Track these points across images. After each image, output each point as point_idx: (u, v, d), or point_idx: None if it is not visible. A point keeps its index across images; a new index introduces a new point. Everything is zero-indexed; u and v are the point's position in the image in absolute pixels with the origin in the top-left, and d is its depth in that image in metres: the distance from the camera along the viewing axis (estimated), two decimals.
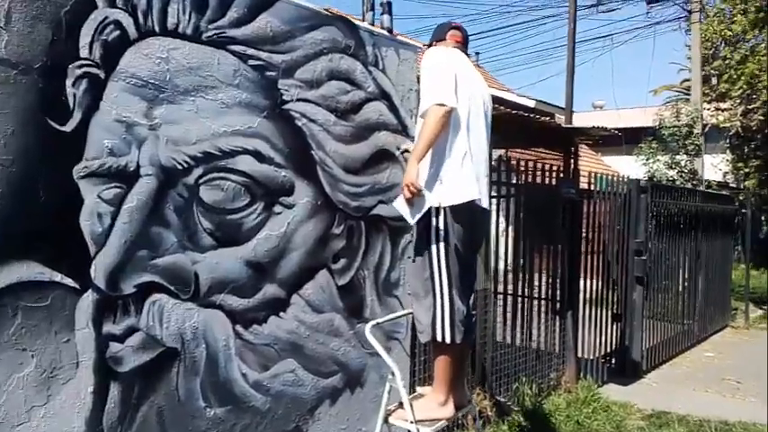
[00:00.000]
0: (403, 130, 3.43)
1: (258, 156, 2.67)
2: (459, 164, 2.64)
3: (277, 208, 2.77)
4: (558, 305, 5.33)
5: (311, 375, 2.98)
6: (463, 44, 3.05)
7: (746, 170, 13.74)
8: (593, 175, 5.59)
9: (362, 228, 3.21)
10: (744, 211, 9.56)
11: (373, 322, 2.81)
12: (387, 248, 3.36)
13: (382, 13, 3.34)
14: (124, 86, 2.21)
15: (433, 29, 3.13)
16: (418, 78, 3.60)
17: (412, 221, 2.70)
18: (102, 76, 2.16)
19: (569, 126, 5.12)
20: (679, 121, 10.86)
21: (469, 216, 2.70)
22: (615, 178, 6.13)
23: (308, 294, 2.94)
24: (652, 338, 6.80)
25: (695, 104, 11.34)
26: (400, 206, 2.72)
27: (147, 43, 2.28)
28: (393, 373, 2.65)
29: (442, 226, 2.63)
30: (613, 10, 11.29)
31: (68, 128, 2.06)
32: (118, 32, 2.20)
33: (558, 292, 5.31)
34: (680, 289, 7.43)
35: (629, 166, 11.44)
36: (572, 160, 5.10)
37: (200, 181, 2.47)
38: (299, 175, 2.86)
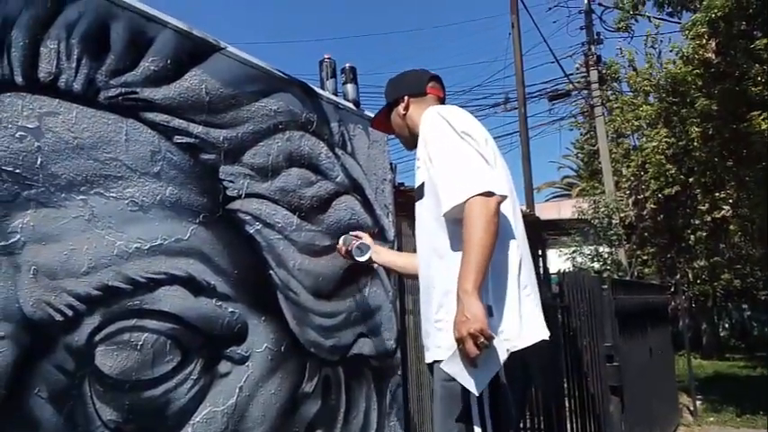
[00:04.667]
0: (380, 233, 2.54)
1: (192, 285, 1.67)
2: (515, 283, 1.74)
3: (223, 366, 1.74)
4: None
5: None
6: (443, 103, 2.10)
7: (644, 257, 13.98)
8: (561, 274, 4.91)
9: (341, 377, 2.21)
10: (678, 299, 9.33)
11: None
12: (372, 401, 2.36)
13: (345, 82, 2.52)
14: None
15: (390, 81, 2.12)
16: (392, 166, 2.76)
17: (477, 391, 1.59)
18: None
19: (543, 219, 4.48)
20: (597, 212, 10.77)
21: (525, 363, 1.78)
22: (568, 276, 5.49)
23: None
24: None
25: (611, 195, 11.37)
26: (455, 369, 1.59)
27: (2, 103, 1.29)
28: None
29: (488, 392, 1.65)
30: (515, 108, 11.34)
31: None
32: None
33: (547, 418, 4.43)
34: (645, 391, 6.80)
35: (553, 261, 11.11)
36: (541, 258, 4.39)
37: (97, 338, 1.42)
38: (255, 308, 1.87)
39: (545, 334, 1.78)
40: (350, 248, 2.21)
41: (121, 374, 1.46)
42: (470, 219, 1.63)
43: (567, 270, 5.11)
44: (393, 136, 2.23)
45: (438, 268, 1.79)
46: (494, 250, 1.62)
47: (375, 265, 2.40)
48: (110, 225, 1.47)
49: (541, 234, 4.23)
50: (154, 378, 1.53)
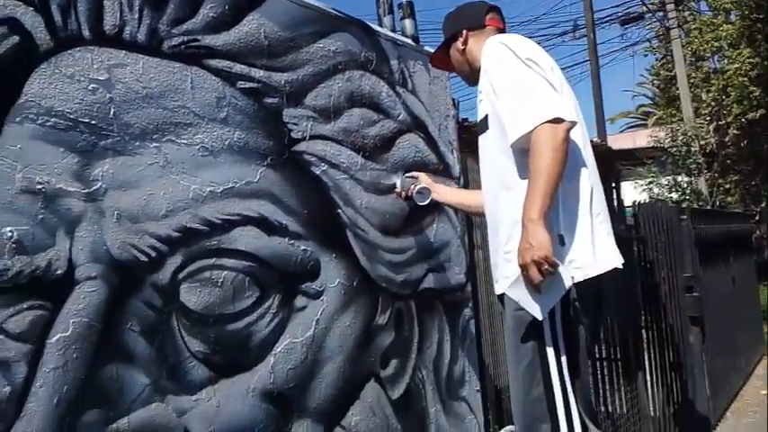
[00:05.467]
0: (445, 170, 2.54)
1: (265, 225, 1.73)
2: (587, 211, 1.71)
3: (299, 300, 1.82)
4: (624, 365, 4.40)
5: None
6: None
7: (726, 186, 13.33)
8: (636, 205, 4.76)
9: (413, 310, 2.26)
10: (763, 228, 8.89)
11: None
12: (445, 334, 2.41)
13: (402, 18, 2.49)
14: (34, 131, 1.27)
15: (448, 15, 2.05)
16: (454, 102, 2.73)
17: (541, 315, 1.61)
18: None
19: (615, 149, 4.32)
20: (675, 141, 10.29)
21: (598, 290, 1.77)
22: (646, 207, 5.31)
23: (354, 423, 1.96)
24: (713, 384, 5.89)
25: (689, 122, 10.81)
26: (520, 295, 1.63)
27: (72, 57, 1.35)
28: None
29: (561, 314, 1.67)
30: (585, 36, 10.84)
31: None
32: (17, 40, 1.27)
33: (624, 349, 4.39)
34: (727, 321, 6.62)
35: (628, 193, 10.77)
36: (614, 190, 4.26)
37: (180, 276, 1.51)
38: (325, 246, 1.93)
39: (619, 261, 1.75)
40: (410, 193, 2.19)
41: (205, 309, 1.55)
42: (537, 146, 1.59)
43: (642, 201, 4.95)
44: (454, 73, 2.19)
45: (505, 200, 1.78)
46: (561, 178, 1.59)
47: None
48: (183, 170, 1.54)
49: (614, 165, 4.09)
50: (235, 312, 1.62)
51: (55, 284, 1.27)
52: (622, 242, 4.43)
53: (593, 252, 1.67)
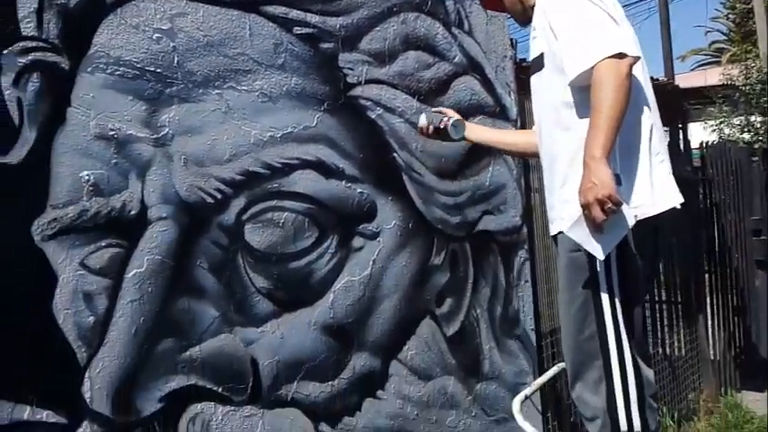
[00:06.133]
0: (502, 112, 2.52)
1: (322, 168, 1.79)
2: (646, 150, 1.68)
3: (356, 241, 1.89)
4: (685, 308, 4.35)
5: None
6: None
7: None
8: (703, 145, 4.60)
9: (468, 251, 2.30)
10: None
11: (521, 396, 1.90)
12: (499, 274, 2.44)
13: None
14: (105, 80, 1.35)
15: None
16: (512, 42, 2.68)
17: (602, 255, 1.59)
18: (66, 65, 1.29)
19: (682, 87, 4.16)
20: (749, 78, 9.74)
21: (656, 230, 1.75)
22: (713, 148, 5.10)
23: (410, 357, 2.04)
24: None
25: (766, 58, 10.19)
26: (581, 235, 1.59)
27: (136, 8, 1.41)
28: None
29: (616, 254, 1.64)
30: None
31: (14, 158, 1.20)
32: None
33: (685, 293, 4.33)
34: None
35: (696, 134, 10.33)
36: (681, 131, 4.12)
37: (244, 217, 1.59)
38: (381, 189, 1.97)
39: (678, 200, 1.72)
40: (442, 125, 2.00)
41: (268, 248, 1.64)
42: (599, 83, 1.55)
43: (711, 142, 4.77)
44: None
45: (562, 141, 1.76)
46: (624, 116, 1.56)
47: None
48: (244, 116, 1.60)
49: (682, 104, 3.93)
50: (296, 252, 1.71)
51: (129, 224, 1.37)
52: (688, 184, 4.33)
53: (652, 191, 1.65)
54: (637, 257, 1.67)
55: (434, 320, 2.14)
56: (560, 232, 1.76)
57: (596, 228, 1.54)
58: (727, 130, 9.91)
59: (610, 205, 1.49)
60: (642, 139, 1.66)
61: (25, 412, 1.22)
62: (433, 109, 2.11)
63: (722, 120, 9.77)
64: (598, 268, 1.65)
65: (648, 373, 1.72)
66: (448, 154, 2.25)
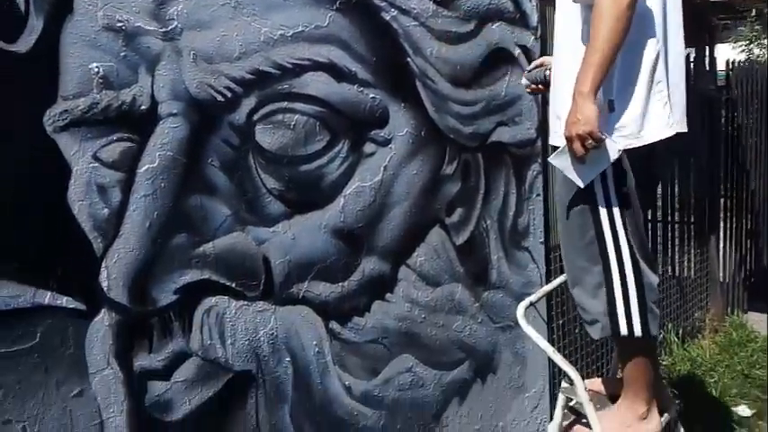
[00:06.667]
0: (521, 19, 2.44)
1: (334, 71, 1.76)
2: (646, 78, 1.63)
3: (368, 147, 1.88)
4: (698, 229, 4.35)
5: (433, 371, 2.16)
6: None
7: None
8: (729, 64, 4.44)
9: (480, 162, 2.29)
10: None
11: (525, 303, 1.93)
12: (511, 187, 2.44)
13: None
14: None
15: None
16: None
17: (583, 184, 1.63)
18: None
19: (712, 1, 3.97)
20: None
21: (648, 157, 1.72)
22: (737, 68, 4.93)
23: (419, 263, 2.08)
24: None
25: None
26: (563, 164, 1.65)
27: None
28: (570, 381, 1.79)
29: (612, 169, 1.66)
30: None
31: (22, 47, 1.19)
32: None
33: (697, 214, 4.32)
34: None
35: (725, 54, 9.97)
36: (707, 47, 3.98)
37: (255, 117, 1.59)
38: (394, 95, 1.95)
39: (675, 130, 1.68)
40: (542, 82, 2.00)
41: (279, 150, 1.64)
42: (598, 13, 1.51)
43: (738, 61, 4.61)
44: None
45: (568, 66, 1.71)
46: (619, 50, 1.52)
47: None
48: (254, 12, 1.57)
49: (710, 19, 3.78)
50: (307, 155, 1.71)
51: (140, 119, 1.38)
52: (711, 104, 4.22)
53: (643, 122, 1.63)
54: (631, 177, 1.66)
55: (444, 229, 2.16)
56: (553, 147, 1.76)
57: (579, 159, 1.56)
58: (756, 51, 9.57)
59: (590, 141, 1.50)
60: (643, 67, 1.62)
61: (46, 297, 1.27)
62: (530, 67, 2.09)
63: (752, 39, 9.41)
64: (595, 184, 1.65)
65: (652, 278, 1.74)
66: (464, 62, 2.20)
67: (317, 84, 1.72)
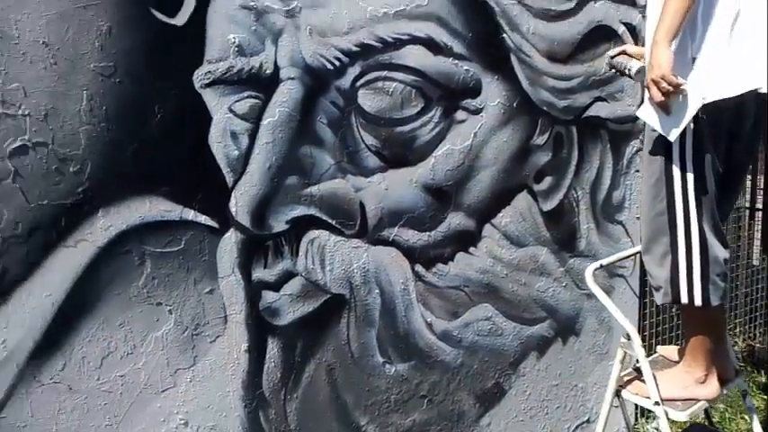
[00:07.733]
0: None
1: (431, 45, 2.02)
2: (726, 33, 1.72)
3: (460, 114, 2.13)
4: None
5: (512, 323, 2.37)
6: None
7: None
8: None
9: (574, 135, 2.44)
10: None
11: (596, 264, 2.08)
12: (607, 161, 2.56)
13: None
14: None
15: None
16: None
17: (672, 137, 1.73)
18: None
19: None
20: None
21: (738, 110, 1.79)
22: None
23: (504, 224, 2.29)
24: None
25: None
26: (648, 115, 1.76)
27: None
28: (628, 336, 1.94)
29: (690, 132, 1.75)
30: None
31: (180, 20, 1.58)
32: None
33: None
34: None
35: None
36: None
37: (358, 84, 1.89)
38: (488, 68, 2.17)
39: (756, 85, 1.74)
40: (627, 72, 2.10)
41: (378, 112, 1.94)
42: None
43: None
44: None
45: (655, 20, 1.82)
46: (695, 4, 1.62)
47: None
48: None
49: None
50: (402, 118, 1.99)
51: (265, 81, 1.73)
52: None
53: (726, 74, 1.70)
54: (708, 140, 1.75)
55: (531, 195, 2.35)
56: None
57: (662, 109, 1.67)
58: None
59: (664, 85, 1.61)
60: (722, 22, 1.70)
61: (190, 214, 1.67)
62: (613, 52, 2.16)
63: None
64: (673, 146, 1.76)
65: (719, 251, 1.82)
66: (561, 38, 2.36)
67: (414, 56, 1.98)
